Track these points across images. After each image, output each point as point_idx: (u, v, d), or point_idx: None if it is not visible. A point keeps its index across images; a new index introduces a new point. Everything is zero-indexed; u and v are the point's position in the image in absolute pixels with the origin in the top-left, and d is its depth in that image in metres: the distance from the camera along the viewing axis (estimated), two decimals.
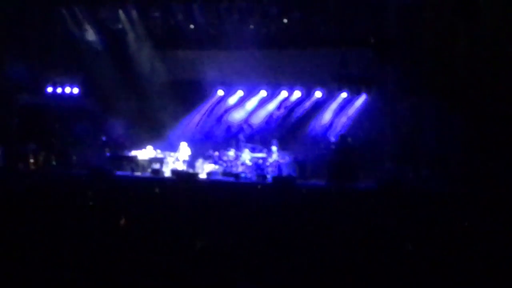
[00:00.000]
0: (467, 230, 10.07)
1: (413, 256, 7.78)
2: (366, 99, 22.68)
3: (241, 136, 23.26)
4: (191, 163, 22.63)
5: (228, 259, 7.19)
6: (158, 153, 22.86)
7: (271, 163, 21.88)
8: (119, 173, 21.95)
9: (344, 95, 22.98)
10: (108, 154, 23.32)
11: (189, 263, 7.04)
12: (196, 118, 24.75)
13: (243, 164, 22.08)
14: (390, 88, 21.71)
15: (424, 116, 20.79)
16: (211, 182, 20.70)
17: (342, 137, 21.38)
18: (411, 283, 6.96)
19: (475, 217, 11.19)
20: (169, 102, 23.96)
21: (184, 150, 22.68)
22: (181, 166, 22.41)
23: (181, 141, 23.04)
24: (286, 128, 23.75)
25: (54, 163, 23.37)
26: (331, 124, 23.18)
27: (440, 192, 17.00)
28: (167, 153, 22.95)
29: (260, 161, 22.06)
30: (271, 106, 24.17)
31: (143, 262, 7.04)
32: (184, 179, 20.24)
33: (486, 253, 8.07)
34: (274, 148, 22.00)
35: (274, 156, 21.89)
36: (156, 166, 22.24)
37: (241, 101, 24.58)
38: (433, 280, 7.01)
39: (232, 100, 24.70)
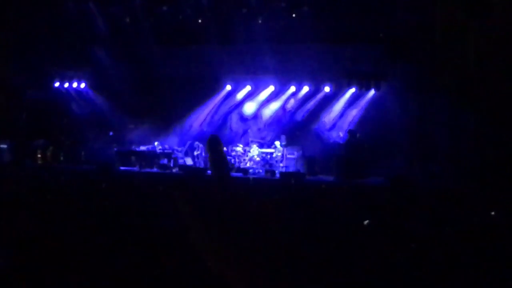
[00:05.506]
0: (477, 228, 9.93)
1: (422, 254, 7.65)
2: (375, 94, 22.49)
3: (249, 131, 23.19)
4: (199, 158, 22.57)
5: (235, 256, 7.09)
6: (166, 148, 22.81)
7: (275, 158, 21.79)
8: (126, 168, 21.91)
9: (352, 90, 22.81)
10: (115, 149, 23.24)
11: (195, 260, 6.94)
12: (204, 113, 24.65)
13: (251, 159, 21.98)
14: (400, 84, 21.52)
15: (435, 112, 20.61)
16: None
17: (351, 133, 21.23)
18: (420, 280, 6.85)
19: (486, 214, 11.04)
20: (177, 97, 23.94)
21: (192, 145, 22.64)
22: (189, 161, 22.35)
23: (189, 136, 22.96)
24: (295, 123, 23.61)
25: (62, 158, 23.35)
26: (339, 119, 23.05)
27: (450, 189, 16.83)
28: (175, 148, 22.91)
29: (268, 157, 21.97)
30: (279, 101, 24.02)
31: (149, 257, 6.95)
32: (192, 174, 20.16)
33: (497, 252, 7.94)
34: (277, 143, 21.89)
35: (277, 151, 21.79)
36: (164, 161, 22.18)
37: (249, 96, 24.47)
38: (442, 279, 6.90)
39: (240, 95, 24.59)
